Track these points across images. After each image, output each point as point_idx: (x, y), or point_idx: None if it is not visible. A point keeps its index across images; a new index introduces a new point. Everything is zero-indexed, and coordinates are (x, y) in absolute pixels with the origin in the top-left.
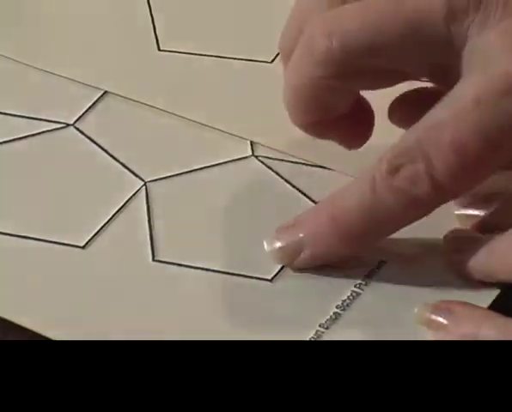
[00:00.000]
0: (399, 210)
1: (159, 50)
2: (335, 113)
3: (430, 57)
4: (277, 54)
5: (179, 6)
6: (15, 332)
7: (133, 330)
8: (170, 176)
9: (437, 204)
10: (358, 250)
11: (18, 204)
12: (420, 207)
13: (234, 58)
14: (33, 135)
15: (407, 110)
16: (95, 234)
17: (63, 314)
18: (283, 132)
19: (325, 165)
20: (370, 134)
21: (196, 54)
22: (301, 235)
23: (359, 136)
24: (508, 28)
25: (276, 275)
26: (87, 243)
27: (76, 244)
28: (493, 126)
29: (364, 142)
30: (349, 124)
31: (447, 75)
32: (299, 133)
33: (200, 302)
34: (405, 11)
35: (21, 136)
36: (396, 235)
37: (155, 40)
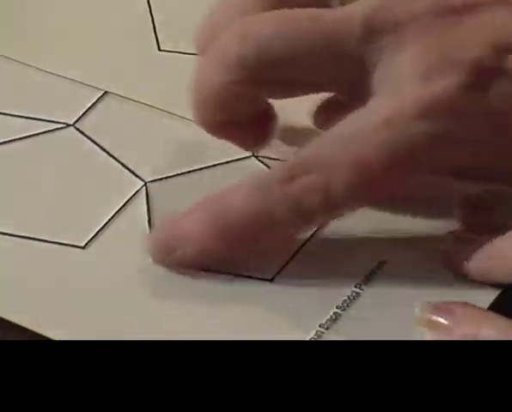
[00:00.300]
0: (287, 219)
1: (159, 50)
2: (240, 117)
3: (343, 73)
4: None
5: (179, 6)
6: (14, 332)
7: (133, 331)
8: (170, 176)
9: (326, 218)
10: (236, 253)
11: (18, 204)
12: (309, 218)
13: None
14: (34, 135)
15: (332, 116)
16: (96, 234)
17: (63, 314)
18: (283, 132)
19: None
20: (271, 139)
21: (196, 54)
22: (179, 232)
23: (259, 140)
24: (421, 52)
25: (276, 275)
26: (87, 243)
27: (76, 244)
28: (400, 148)
29: (262, 148)
30: (251, 128)
31: (358, 92)
32: (299, 133)
33: (200, 302)
34: (322, 25)
35: (21, 136)
36: (396, 235)
37: (155, 40)
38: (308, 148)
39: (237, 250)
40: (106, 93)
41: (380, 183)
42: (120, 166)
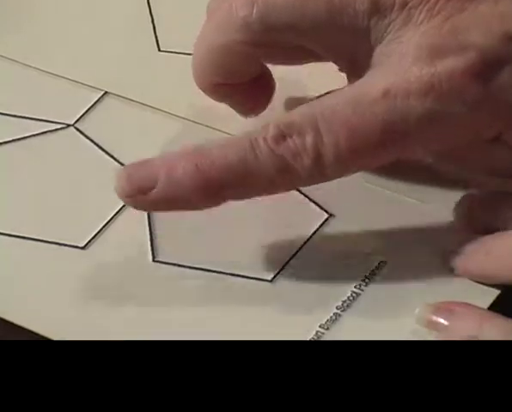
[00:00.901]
0: (273, 177)
1: (159, 50)
2: (240, 79)
3: (346, 45)
4: None
5: (179, 6)
6: (14, 333)
7: (133, 331)
8: None
9: (312, 182)
10: (210, 205)
11: (18, 205)
12: (295, 180)
13: None
14: (34, 135)
15: None
16: (96, 235)
17: (63, 315)
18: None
19: None
20: (267, 105)
21: None
22: (159, 171)
23: (256, 105)
24: (429, 32)
25: (276, 276)
26: (87, 243)
27: (76, 244)
28: (394, 120)
29: (259, 112)
30: (249, 92)
31: (358, 64)
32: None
33: (200, 302)
34: None
35: (21, 136)
36: (396, 235)
37: (155, 41)
38: (303, 109)
39: (211, 201)
40: (106, 93)
41: (370, 152)
42: (120, 166)
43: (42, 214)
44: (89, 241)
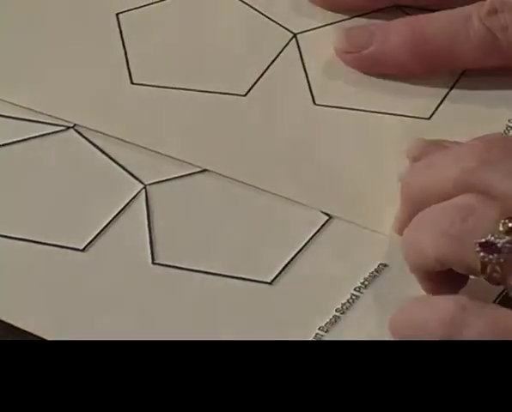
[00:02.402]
0: (478, 49)
1: (132, 83)
2: None
3: None
4: (251, 87)
5: (152, 39)
6: (14, 335)
7: (133, 332)
8: (170, 179)
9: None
10: (419, 71)
11: (18, 207)
12: (497, 55)
13: (208, 92)
14: (34, 137)
15: None
16: (95, 237)
17: (62, 317)
18: (256, 164)
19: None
20: None
21: (169, 87)
22: (376, 32)
23: None
24: None
25: (275, 278)
26: (86, 246)
27: (75, 246)
28: None
29: None
30: None
31: None
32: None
33: (199, 305)
34: None
35: (21, 138)
36: (396, 238)
37: (127, 73)
38: None
39: (421, 66)
40: None
41: None
42: (120, 168)
43: (42, 216)
44: (89, 243)
